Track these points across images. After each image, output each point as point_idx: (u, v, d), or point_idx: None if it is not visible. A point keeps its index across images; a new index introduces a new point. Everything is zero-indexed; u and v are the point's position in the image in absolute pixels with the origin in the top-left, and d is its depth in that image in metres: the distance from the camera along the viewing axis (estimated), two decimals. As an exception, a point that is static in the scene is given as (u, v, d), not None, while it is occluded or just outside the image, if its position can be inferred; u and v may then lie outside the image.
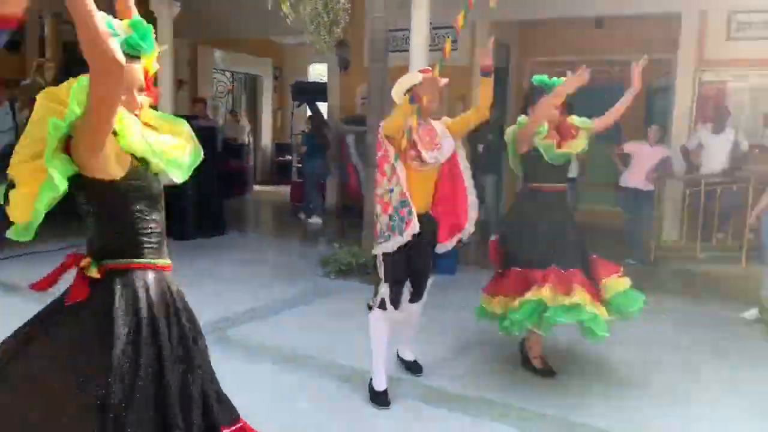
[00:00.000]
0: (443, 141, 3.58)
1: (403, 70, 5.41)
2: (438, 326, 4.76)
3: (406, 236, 3.40)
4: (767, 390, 3.91)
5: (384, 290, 3.53)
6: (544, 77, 3.93)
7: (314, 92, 11.58)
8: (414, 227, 3.39)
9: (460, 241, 3.80)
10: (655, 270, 6.96)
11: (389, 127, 3.43)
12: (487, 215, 8.21)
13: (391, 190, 3.41)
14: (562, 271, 3.67)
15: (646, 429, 3.37)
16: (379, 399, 3.52)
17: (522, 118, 3.98)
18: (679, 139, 7.83)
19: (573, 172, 7.07)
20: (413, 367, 3.99)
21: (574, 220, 4.13)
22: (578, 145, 3.91)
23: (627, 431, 3.32)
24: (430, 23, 6.16)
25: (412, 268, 3.60)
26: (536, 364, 4.02)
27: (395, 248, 3.45)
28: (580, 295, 3.54)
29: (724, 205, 7.17)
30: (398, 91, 3.57)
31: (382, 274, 3.55)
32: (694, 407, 3.65)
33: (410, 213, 3.38)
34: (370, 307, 3.65)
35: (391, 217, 3.42)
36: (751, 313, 5.24)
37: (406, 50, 6.45)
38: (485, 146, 7.66)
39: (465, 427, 3.34)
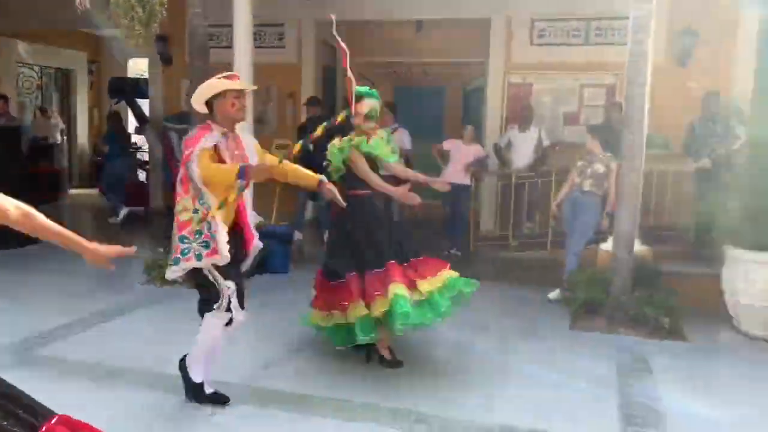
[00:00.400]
0: (252, 156, 3.39)
1: (228, 67, 5.32)
2: (270, 326, 4.75)
3: (205, 263, 3.18)
4: (570, 360, 4.36)
5: (231, 289, 3.26)
6: (365, 88, 4.14)
7: (133, 89, 10.95)
8: (221, 255, 3.17)
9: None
10: (474, 258, 7.48)
11: (213, 180, 3.14)
12: (321, 215, 8.28)
13: (196, 211, 3.18)
14: (371, 274, 3.85)
15: (467, 411, 3.58)
16: (196, 393, 3.41)
17: (357, 140, 4.11)
18: (492, 137, 8.46)
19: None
20: (219, 398, 3.51)
21: (395, 218, 4.33)
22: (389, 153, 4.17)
23: (449, 414, 3.52)
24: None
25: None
26: (384, 354, 4.10)
27: (180, 273, 3.22)
28: (396, 289, 3.71)
29: (532, 198, 7.89)
30: (199, 99, 3.31)
31: (219, 278, 3.25)
32: (502, 385, 3.97)
33: (216, 238, 3.16)
34: (209, 310, 3.35)
35: (183, 239, 3.19)
36: (555, 293, 5.85)
37: (230, 47, 6.33)
38: (316, 145, 7.69)
39: (296, 426, 3.36)
